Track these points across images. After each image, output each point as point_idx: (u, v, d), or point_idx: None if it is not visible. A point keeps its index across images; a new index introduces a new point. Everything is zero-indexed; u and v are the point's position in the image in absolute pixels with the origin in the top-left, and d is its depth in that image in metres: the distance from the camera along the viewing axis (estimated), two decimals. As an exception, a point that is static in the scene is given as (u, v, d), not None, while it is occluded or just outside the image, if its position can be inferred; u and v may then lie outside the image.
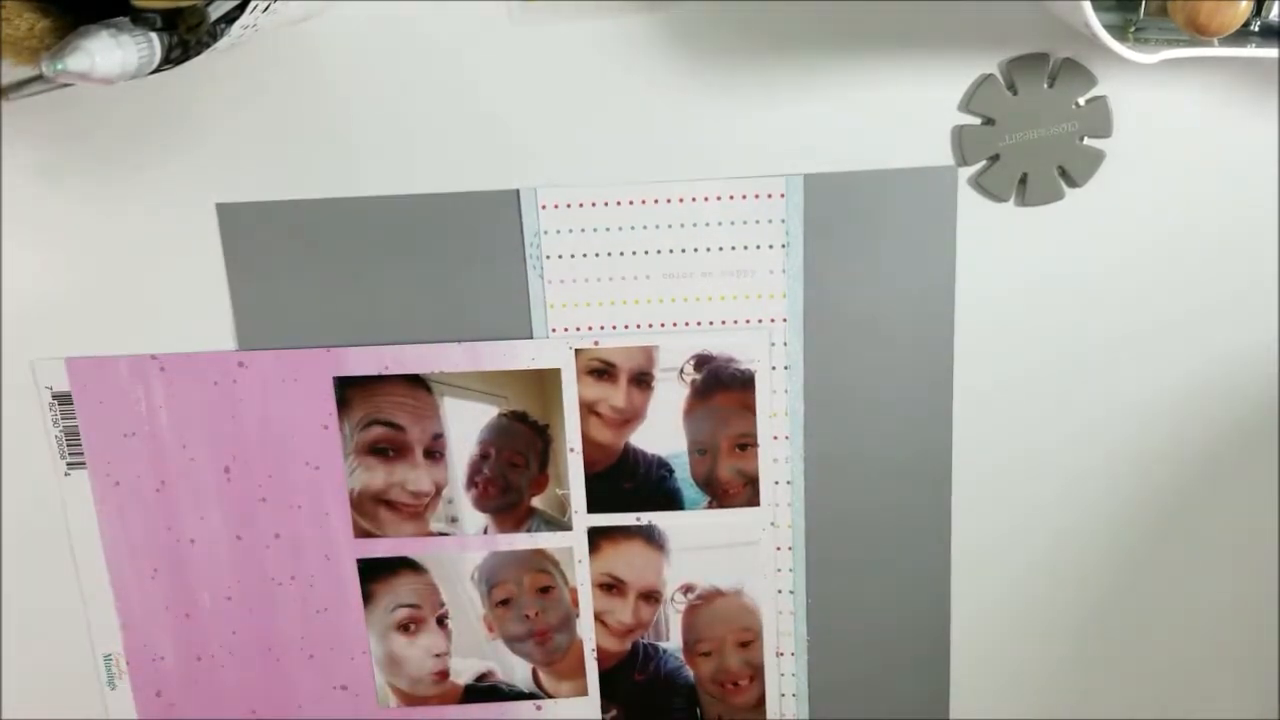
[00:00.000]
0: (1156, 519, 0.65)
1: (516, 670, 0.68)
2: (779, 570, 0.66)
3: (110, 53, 0.42)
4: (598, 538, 0.66)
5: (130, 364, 0.63)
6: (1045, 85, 0.58)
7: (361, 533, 0.66)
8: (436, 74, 0.59)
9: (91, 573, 0.67)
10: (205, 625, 0.68)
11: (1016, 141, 0.59)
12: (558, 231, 0.61)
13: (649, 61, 0.58)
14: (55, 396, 0.64)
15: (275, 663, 0.68)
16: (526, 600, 0.67)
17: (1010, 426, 0.64)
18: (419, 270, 0.62)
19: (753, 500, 0.65)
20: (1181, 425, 0.64)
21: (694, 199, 0.60)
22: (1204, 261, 0.61)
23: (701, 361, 0.63)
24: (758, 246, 0.61)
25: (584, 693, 0.69)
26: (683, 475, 0.65)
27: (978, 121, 0.59)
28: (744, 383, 0.63)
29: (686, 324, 0.62)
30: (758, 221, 0.61)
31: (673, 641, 0.67)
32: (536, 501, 0.65)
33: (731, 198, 0.60)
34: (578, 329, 0.62)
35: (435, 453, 0.64)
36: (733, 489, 0.65)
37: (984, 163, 0.60)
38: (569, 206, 0.60)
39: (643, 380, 0.63)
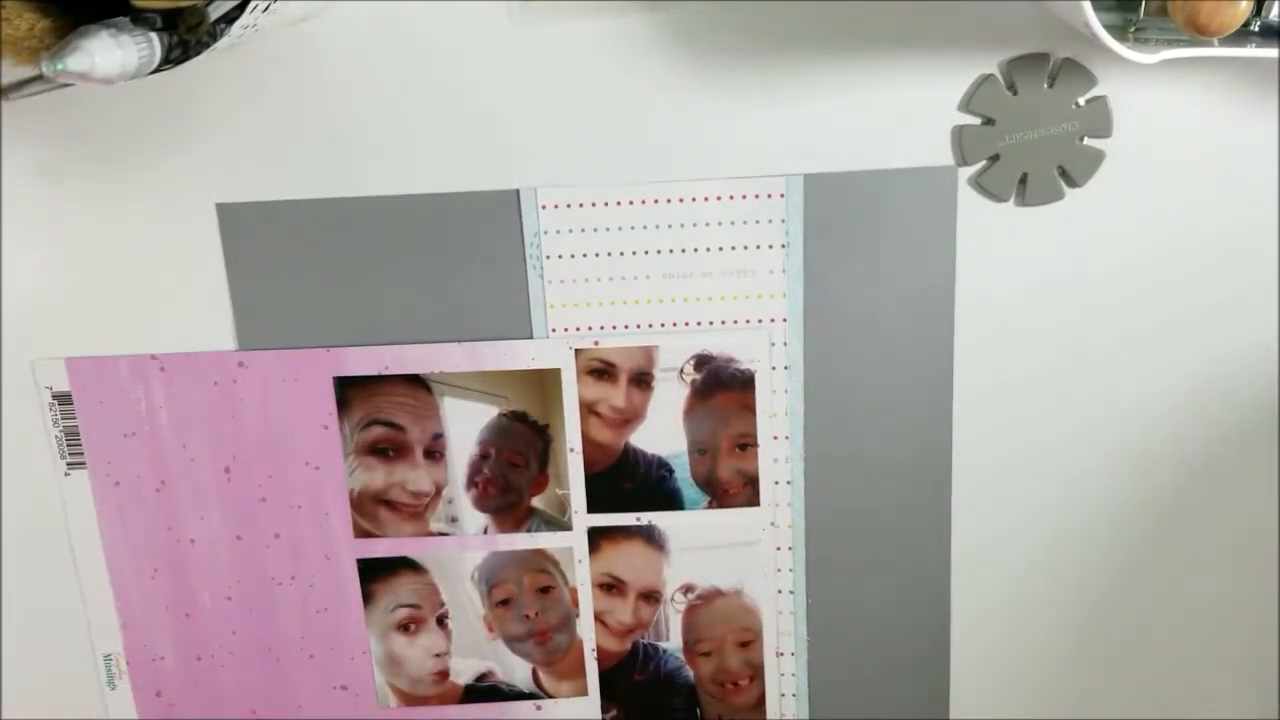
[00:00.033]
0: (1156, 519, 0.65)
1: (516, 670, 0.68)
2: (779, 570, 0.66)
3: (110, 53, 0.42)
4: (598, 538, 0.66)
5: (130, 364, 0.63)
6: (1045, 85, 0.58)
7: (361, 533, 0.66)
8: (436, 74, 0.59)
9: (91, 573, 0.67)
10: (205, 625, 0.68)
11: (1016, 141, 0.59)
12: (558, 231, 0.61)
13: (649, 61, 0.58)
14: (55, 396, 0.64)
15: (275, 663, 0.68)
16: (526, 600, 0.67)
17: (1010, 426, 0.64)
18: (419, 270, 0.62)
19: (753, 500, 0.65)
20: (1181, 425, 0.64)
21: (694, 199, 0.60)
22: (1204, 261, 0.61)
23: (701, 361, 0.63)
24: (758, 246, 0.61)
25: (584, 693, 0.69)
26: (683, 475, 0.65)
27: (978, 121, 0.59)
28: (744, 383, 0.63)
29: (686, 324, 0.62)
30: (758, 221, 0.61)
31: (673, 641, 0.67)
32: (536, 501, 0.65)
33: (731, 198, 0.60)
34: (578, 329, 0.62)
35: (435, 453, 0.64)
36: (733, 489, 0.65)
37: (984, 163, 0.60)
38: (569, 206, 0.60)
39: (643, 380, 0.63)
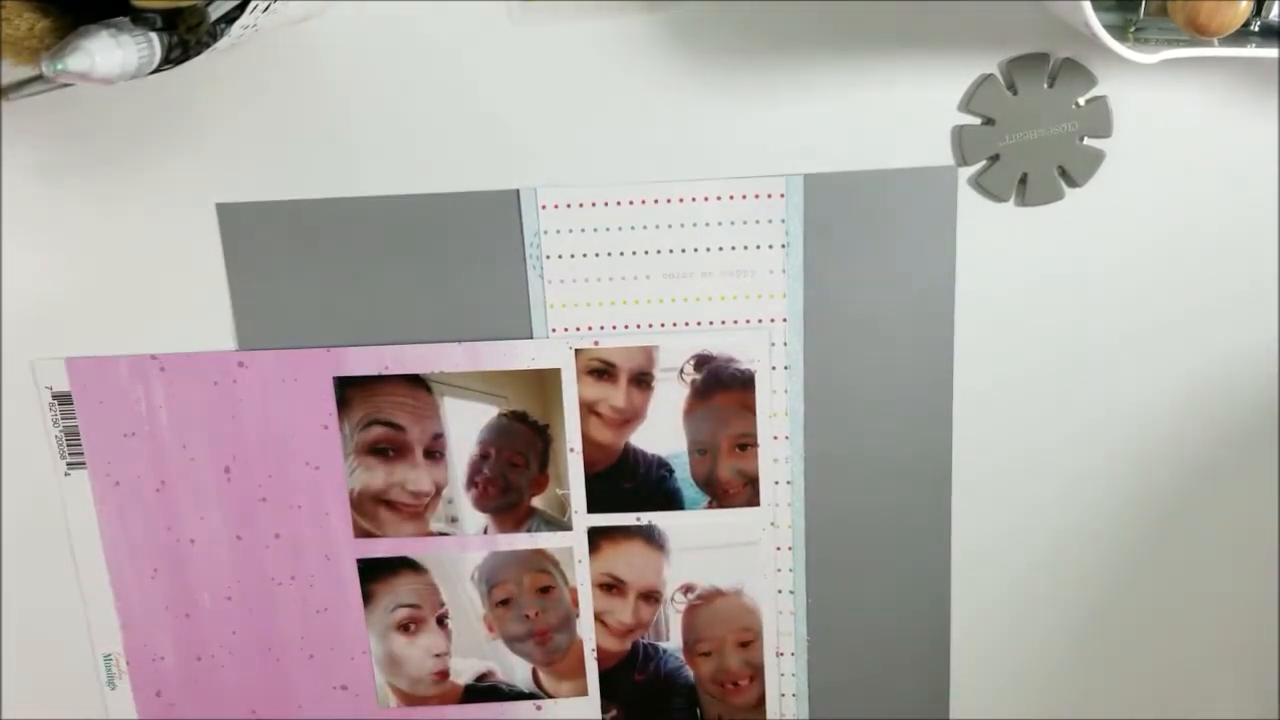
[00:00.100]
0: (1156, 519, 0.65)
1: (516, 670, 0.68)
2: (779, 570, 0.66)
3: (110, 53, 0.42)
4: (598, 538, 0.66)
5: (130, 364, 0.63)
6: (1045, 85, 0.58)
7: (361, 533, 0.66)
8: (436, 74, 0.59)
9: (91, 573, 0.67)
10: (205, 625, 0.68)
11: (1016, 141, 0.59)
12: (558, 231, 0.61)
13: (649, 61, 0.58)
14: (55, 396, 0.64)
15: (275, 663, 0.68)
16: (526, 600, 0.67)
17: (1010, 426, 0.64)
18: (419, 270, 0.62)
19: (753, 500, 0.65)
20: (1181, 425, 0.64)
21: (694, 199, 0.60)
22: (1204, 261, 0.61)
23: (701, 361, 0.63)
24: (758, 246, 0.61)
25: (584, 693, 0.69)
26: (683, 475, 0.65)
27: (978, 121, 0.59)
28: (744, 383, 0.63)
29: (686, 324, 0.62)
30: (758, 221, 0.61)
31: (673, 641, 0.67)
32: (536, 501, 0.65)
33: (731, 198, 0.60)
34: (578, 329, 0.62)
35: (435, 453, 0.64)
36: (733, 489, 0.65)
37: (984, 163, 0.60)
38: (569, 206, 0.60)
39: (643, 380, 0.63)
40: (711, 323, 0.62)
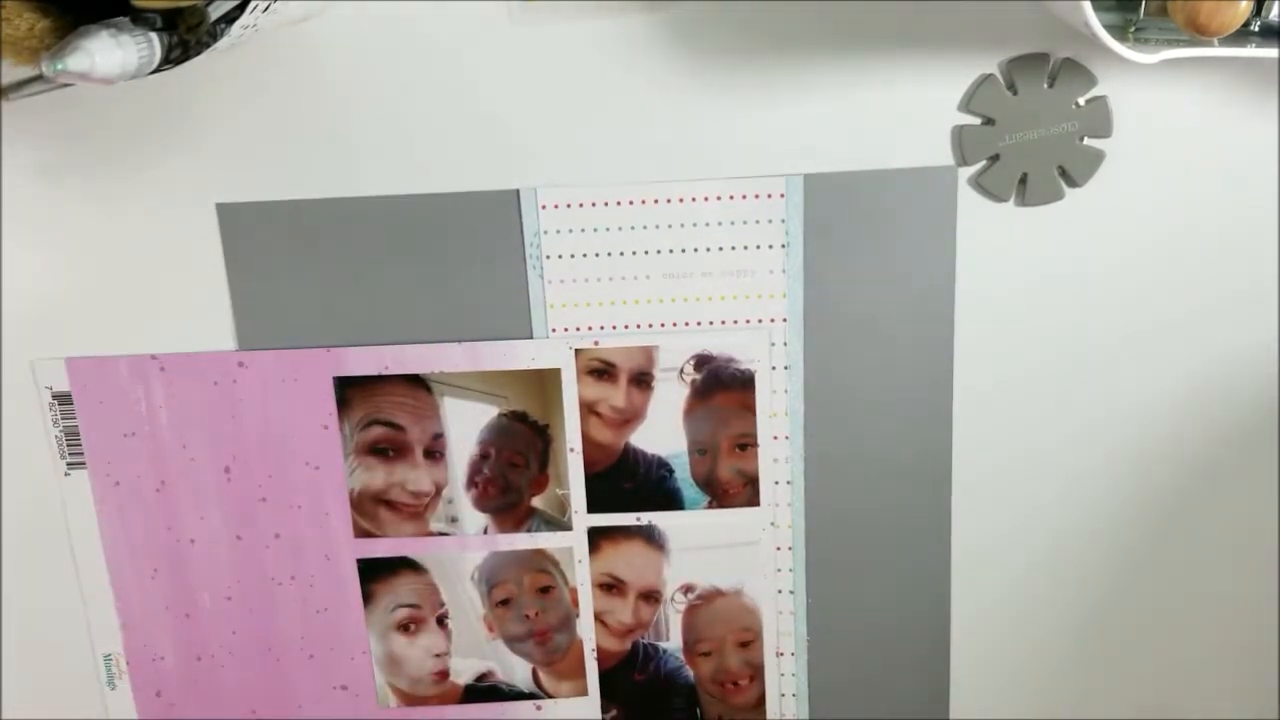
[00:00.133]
0: (1156, 519, 0.65)
1: (516, 670, 0.68)
2: (779, 570, 0.66)
3: (110, 53, 0.42)
4: (598, 538, 0.66)
5: (130, 364, 0.63)
6: (1045, 85, 0.58)
7: (361, 533, 0.66)
8: (436, 74, 0.59)
9: (91, 573, 0.67)
10: (205, 625, 0.68)
11: (1016, 141, 0.59)
12: (558, 231, 0.61)
13: (649, 61, 0.58)
14: (55, 396, 0.64)
15: (275, 663, 0.68)
16: (526, 600, 0.67)
17: (1010, 426, 0.64)
18: (419, 270, 0.62)
19: (753, 500, 0.65)
20: (1181, 425, 0.64)
21: (694, 199, 0.60)
22: (1204, 261, 0.61)
23: (701, 361, 0.63)
24: (758, 246, 0.61)
25: (584, 693, 0.69)
26: (683, 475, 0.65)
27: (978, 121, 0.59)
28: (744, 383, 0.63)
29: (686, 324, 0.62)
30: (758, 221, 0.61)
31: (673, 641, 0.67)
32: (536, 501, 0.65)
33: (731, 198, 0.60)
34: (578, 329, 0.62)
35: (435, 453, 0.64)
36: (733, 489, 0.65)
37: (984, 163, 0.60)
38: (569, 206, 0.60)
39: (643, 380, 0.63)
40: (711, 323, 0.62)
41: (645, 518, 0.65)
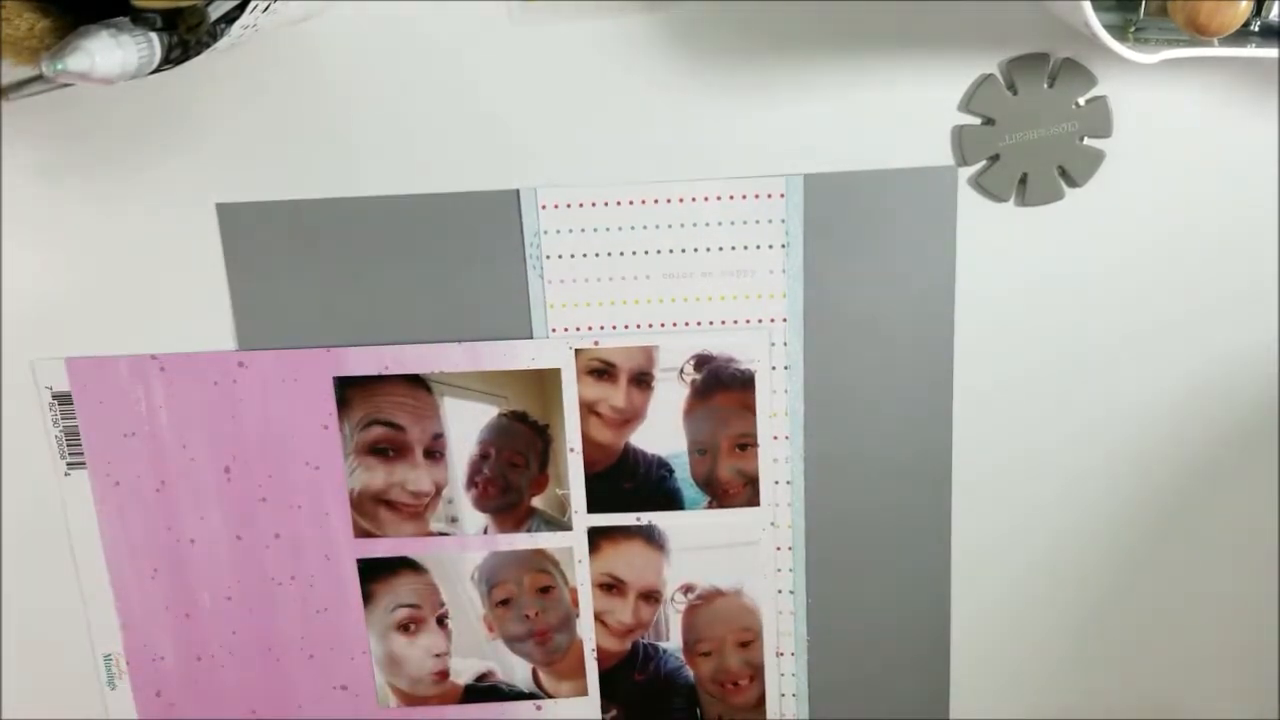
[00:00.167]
0: (1156, 519, 0.65)
1: (516, 670, 0.68)
2: (779, 570, 0.66)
3: (110, 53, 0.42)
4: (598, 538, 0.66)
5: (130, 364, 0.63)
6: (1045, 85, 0.58)
7: (361, 533, 0.66)
8: (436, 74, 0.59)
9: (91, 573, 0.67)
10: (205, 625, 0.68)
11: (1016, 141, 0.59)
12: (558, 231, 0.61)
13: (649, 61, 0.58)
14: (55, 396, 0.64)
15: (275, 663, 0.68)
16: (526, 600, 0.67)
17: (1010, 426, 0.64)
18: (419, 270, 0.62)
19: (753, 500, 0.65)
20: (1181, 425, 0.64)
21: (694, 199, 0.60)
22: (1204, 261, 0.61)
23: (701, 361, 0.63)
24: (758, 246, 0.61)
25: (584, 693, 0.69)
26: (683, 475, 0.65)
27: (978, 121, 0.59)
28: (744, 383, 0.63)
29: (686, 324, 0.62)
30: (758, 221, 0.61)
31: (673, 641, 0.67)
32: (536, 501, 0.65)
33: (731, 198, 0.60)
34: (578, 329, 0.62)
35: (435, 453, 0.64)
36: (733, 489, 0.65)
37: (984, 163, 0.60)
38: (569, 206, 0.60)
39: (643, 380, 0.63)
40: (711, 323, 0.62)
41: (645, 518, 0.65)
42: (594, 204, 0.60)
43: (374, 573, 0.66)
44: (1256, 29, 0.51)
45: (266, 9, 0.47)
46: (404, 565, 0.66)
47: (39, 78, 0.54)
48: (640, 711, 0.69)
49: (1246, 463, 0.64)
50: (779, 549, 0.66)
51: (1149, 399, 0.63)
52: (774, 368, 0.63)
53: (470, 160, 0.60)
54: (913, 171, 0.60)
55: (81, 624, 0.67)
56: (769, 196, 0.60)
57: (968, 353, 0.63)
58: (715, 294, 0.62)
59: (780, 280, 0.61)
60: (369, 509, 0.65)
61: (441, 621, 0.67)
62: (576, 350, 0.63)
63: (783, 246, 0.61)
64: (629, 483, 0.65)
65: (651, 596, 0.67)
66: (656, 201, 0.60)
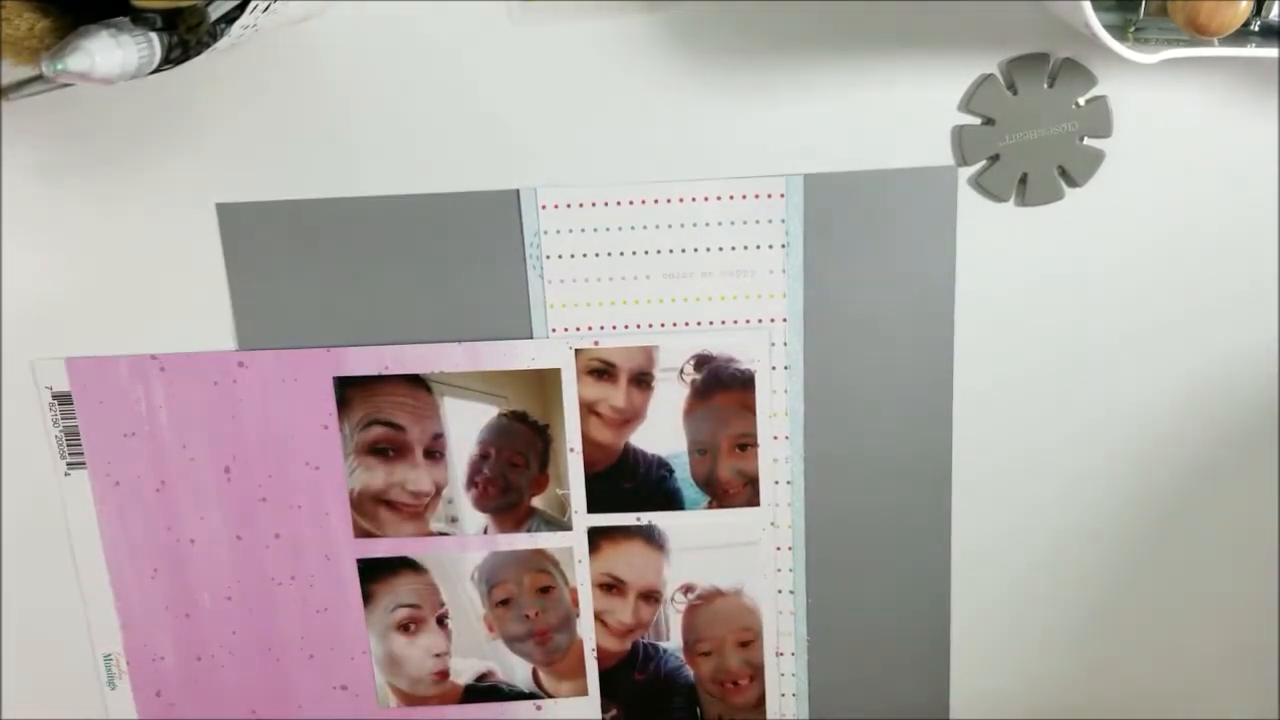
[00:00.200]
0: (1156, 519, 0.65)
1: (516, 670, 0.68)
2: (779, 570, 0.66)
3: (110, 53, 0.42)
4: (598, 538, 0.66)
5: (130, 364, 0.63)
6: (1045, 85, 0.58)
7: (361, 533, 0.66)
8: (436, 74, 0.59)
9: (91, 573, 0.67)
10: (205, 625, 0.68)
11: (1016, 141, 0.59)
12: (558, 231, 0.61)
13: (649, 61, 0.58)
14: (55, 396, 0.64)
15: (275, 663, 0.68)
16: (526, 600, 0.67)
17: (1010, 426, 0.64)
18: (419, 270, 0.62)
19: (753, 500, 0.65)
20: (1181, 425, 0.64)
21: (694, 199, 0.60)
22: (1204, 261, 0.61)
23: (701, 361, 0.63)
24: (758, 246, 0.61)
25: (584, 693, 0.69)
26: (683, 475, 0.65)
27: (978, 121, 0.59)
28: (744, 383, 0.63)
29: (686, 324, 0.62)
30: (758, 221, 0.61)
31: (673, 641, 0.67)
32: (536, 501, 0.65)
33: (731, 198, 0.60)
34: (578, 329, 0.62)
35: (435, 453, 0.64)
36: (733, 489, 0.65)
37: (984, 163, 0.60)
38: (569, 206, 0.60)
39: (643, 380, 0.63)
40: (711, 323, 0.62)
41: (645, 518, 0.65)
42: (594, 204, 0.60)
43: (374, 573, 0.66)
44: (1256, 29, 0.51)
45: (266, 9, 0.47)
46: (404, 565, 0.66)
47: (39, 78, 0.54)
48: (640, 711, 0.69)
49: (1246, 463, 0.64)
50: (779, 549, 0.66)
51: (1149, 399, 0.63)
52: (774, 368, 0.63)
53: (470, 160, 0.60)
54: (913, 171, 0.60)
55: (81, 624, 0.67)
56: (769, 196, 0.60)
57: (968, 353, 0.63)
58: (715, 294, 0.62)
59: (780, 280, 0.61)
60: (369, 509, 0.65)
61: (441, 621, 0.67)
62: (576, 350, 0.63)
63: (783, 246, 0.61)
64: (629, 483, 0.65)
65: (651, 596, 0.67)
66: (656, 201, 0.60)
